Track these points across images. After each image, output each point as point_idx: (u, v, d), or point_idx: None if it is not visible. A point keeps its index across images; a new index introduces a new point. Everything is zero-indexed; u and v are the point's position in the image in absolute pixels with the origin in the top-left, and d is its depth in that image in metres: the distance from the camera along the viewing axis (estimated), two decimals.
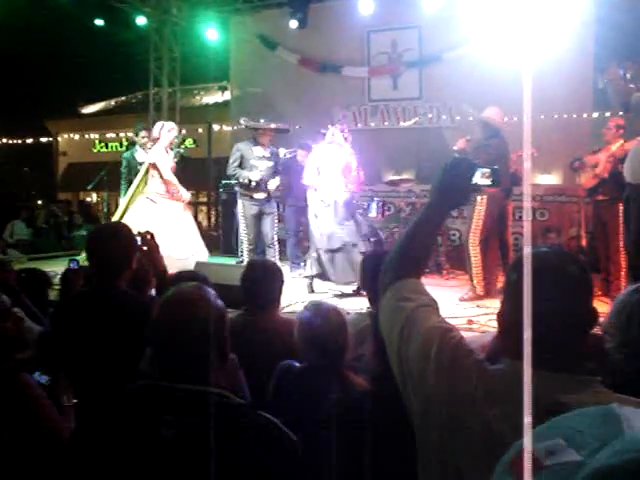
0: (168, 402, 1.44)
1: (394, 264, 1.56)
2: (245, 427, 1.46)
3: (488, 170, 1.65)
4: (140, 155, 7.98)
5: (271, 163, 7.31)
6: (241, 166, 7.26)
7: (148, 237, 2.85)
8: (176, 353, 1.52)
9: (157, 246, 2.89)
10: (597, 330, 1.64)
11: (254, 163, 7.20)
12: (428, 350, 1.34)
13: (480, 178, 1.64)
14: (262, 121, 7.33)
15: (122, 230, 2.80)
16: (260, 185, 7.18)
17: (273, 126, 7.32)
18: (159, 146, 6.91)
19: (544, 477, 0.59)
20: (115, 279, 2.60)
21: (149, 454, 1.39)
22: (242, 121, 7.42)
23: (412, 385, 1.38)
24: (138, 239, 2.78)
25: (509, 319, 1.33)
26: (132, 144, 8.98)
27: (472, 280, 6.22)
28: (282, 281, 3.20)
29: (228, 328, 1.63)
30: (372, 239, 8.20)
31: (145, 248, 2.82)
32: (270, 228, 7.38)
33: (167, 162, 6.93)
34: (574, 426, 0.62)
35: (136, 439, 1.42)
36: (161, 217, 6.65)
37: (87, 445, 1.47)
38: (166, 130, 6.97)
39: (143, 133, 8.11)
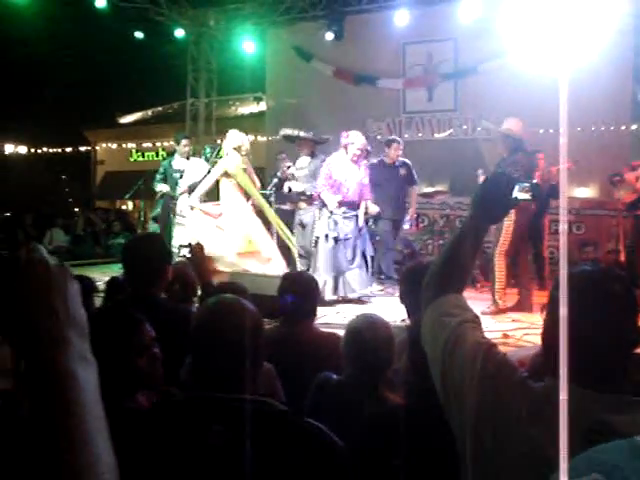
0: (216, 412, 1.46)
1: (436, 279, 1.57)
2: (294, 433, 1.48)
3: (527, 184, 1.66)
4: (177, 163, 8.10)
5: (306, 172, 7.35)
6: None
7: (197, 249, 2.91)
8: (216, 362, 1.54)
9: (204, 257, 2.94)
10: None
11: (292, 171, 7.39)
12: (473, 366, 1.35)
13: (519, 192, 1.64)
14: (300, 132, 7.37)
15: (156, 240, 2.86)
16: (292, 194, 7.33)
17: (302, 135, 7.38)
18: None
19: None
20: (150, 288, 2.66)
21: (199, 465, 1.41)
22: (281, 132, 7.49)
23: (455, 400, 1.39)
24: (186, 250, 2.83)
25: (552, 337, 1.32)
26: (171, 154, 9.11)
27: (494, 295, 6.15)
28: (318, 293, 3.22)
29: (264, 336, 1.66)
30: (406, 251, 8.21)
31: (193, 259, 2.87)
32: (306, 239, 7.38)
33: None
34: (608, 460, 0.61)
35: (186, 450, 1.44)
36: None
37: (135, 457, 1.49)
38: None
39: (184, 142, 8.22)
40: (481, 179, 6.23)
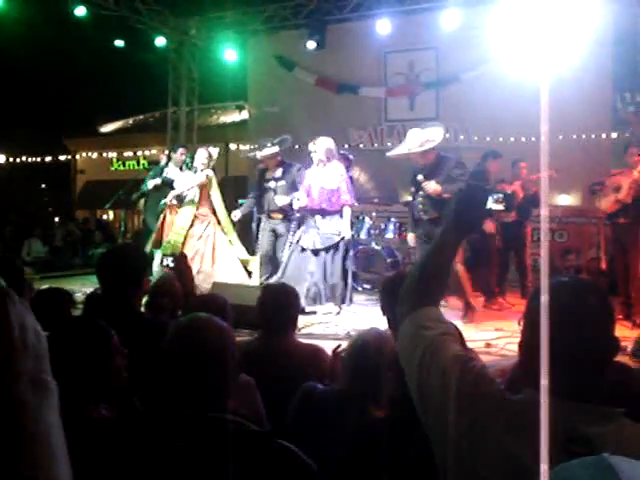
0: (180, 429, 1.43)
1: (411, 292, 1.55)
2: (261, 455, 1.45)
3: (501, 195, 1.66)
4: (171, 172, 8.03)
5: (282, 182, 7.29)
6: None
7: (181, 259, 2.87)
8: (184, 379, 1.54)
9: (189, 268, 2.90)
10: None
11: (271, 185, 7.35)
12: (449, 379, 1.33)
13: (493, 203, 1.65)
14: (269, 144, 7.32)
15: (130, 253, 2.82)
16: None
17: (258, 156, 7.42)
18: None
19: None
20: (126, 300, 2.62)
21: None
22: (243, 155, 7.63)
23: (432, 412, 1.37)
24: (170, 260, 2.79)
25: (530, 348, 1.31)
26: (156, 162, 9.09)
27: (467, 300, 6.13)
28: (298, 305, 3.18)
29: (236, 354, 1.65)
30: (389, 260, 8.19)
31: (178, 269, 2.84)
32: (281, 250, 7.26)
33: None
34: (571, 477, 0.60)
35: (147, 466, 1.41)
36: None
37: (100, 472, 1.46)
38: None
39: (181, 150, 8.19)
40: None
